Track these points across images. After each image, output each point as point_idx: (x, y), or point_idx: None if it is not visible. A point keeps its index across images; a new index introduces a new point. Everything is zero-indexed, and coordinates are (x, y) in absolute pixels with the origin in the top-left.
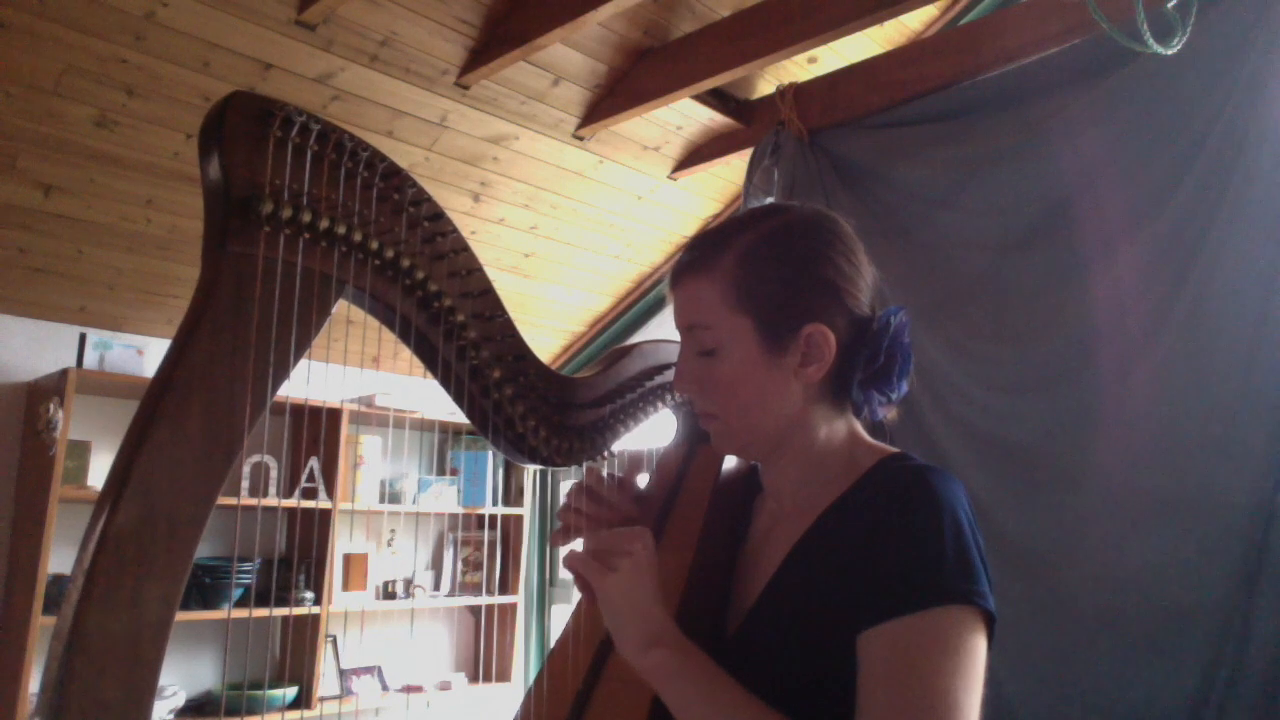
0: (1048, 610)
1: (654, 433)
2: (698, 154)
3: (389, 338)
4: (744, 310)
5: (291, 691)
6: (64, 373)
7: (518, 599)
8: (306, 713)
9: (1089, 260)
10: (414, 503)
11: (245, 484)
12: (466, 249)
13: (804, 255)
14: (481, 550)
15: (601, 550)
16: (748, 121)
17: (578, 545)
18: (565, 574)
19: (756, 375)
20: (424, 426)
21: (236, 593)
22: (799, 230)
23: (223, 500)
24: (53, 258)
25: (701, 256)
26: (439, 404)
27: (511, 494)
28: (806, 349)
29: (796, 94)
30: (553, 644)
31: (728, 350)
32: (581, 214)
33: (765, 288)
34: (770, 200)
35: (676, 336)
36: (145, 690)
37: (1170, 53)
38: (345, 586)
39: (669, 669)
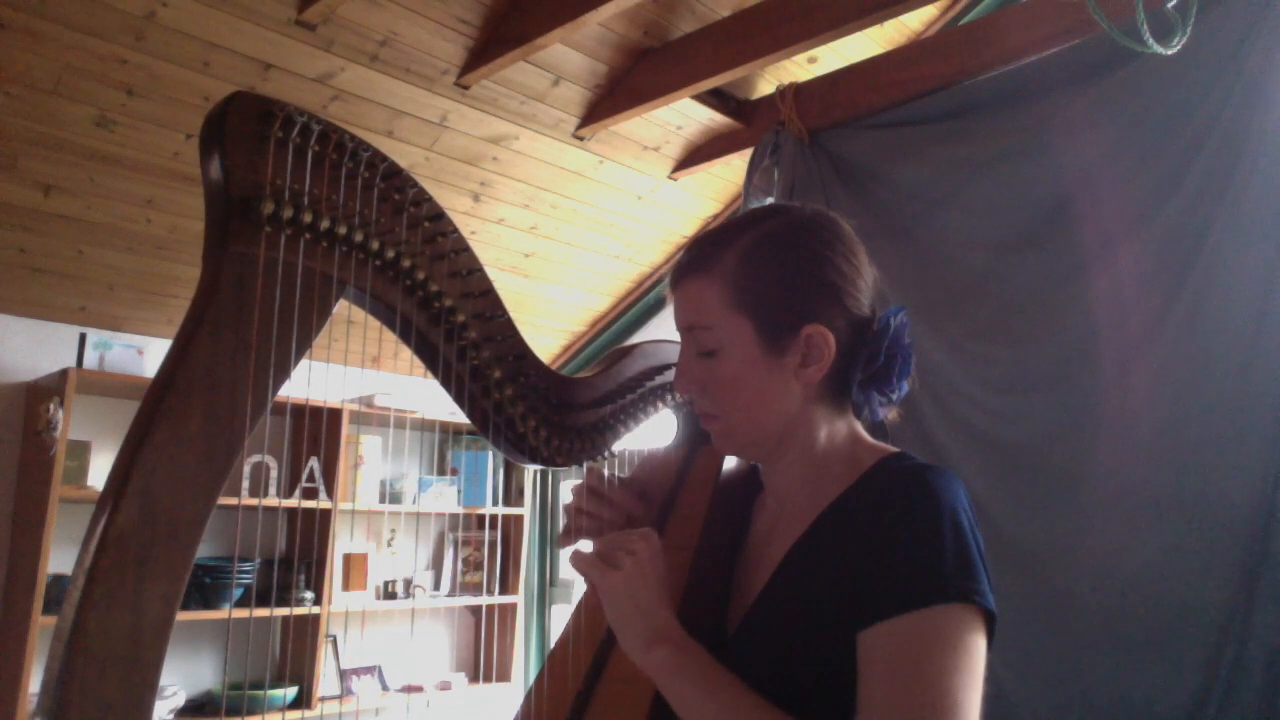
0: (1048, 610)
1: (654, 433)
2: (698, 154)
3: (389, 338)
4: (744, 311)
5: (291, 691)
6: (64, 373)
7: (518, 599)
8: (306, 713)
9: (1089, 260)
10: (414, 503)
11: (245, 484)
12: (467, 249)
13: (804, 256)
14: (481, 550)
15: (606, 550)
16: (748, 121)
17: (584, 546)
18: (565, 574)
19: (757, 376)
20: (424, 426)
21: (237, 593)
22: (799, 231)
23: (223, 500)
24: (53, 258)
25: (701, 257)
26: (439, 404)
27: (511, 494)
28: (806, 350)
29: (796, 94)
30: (553, 644)
31: (728, 351)
32: (581, 214)
33: (765, 288)
34: (770, 200)
35: (677, 336)
36: (146, 690)
37: (1170, 53)
38: (345, 586)
39: (672, 666)
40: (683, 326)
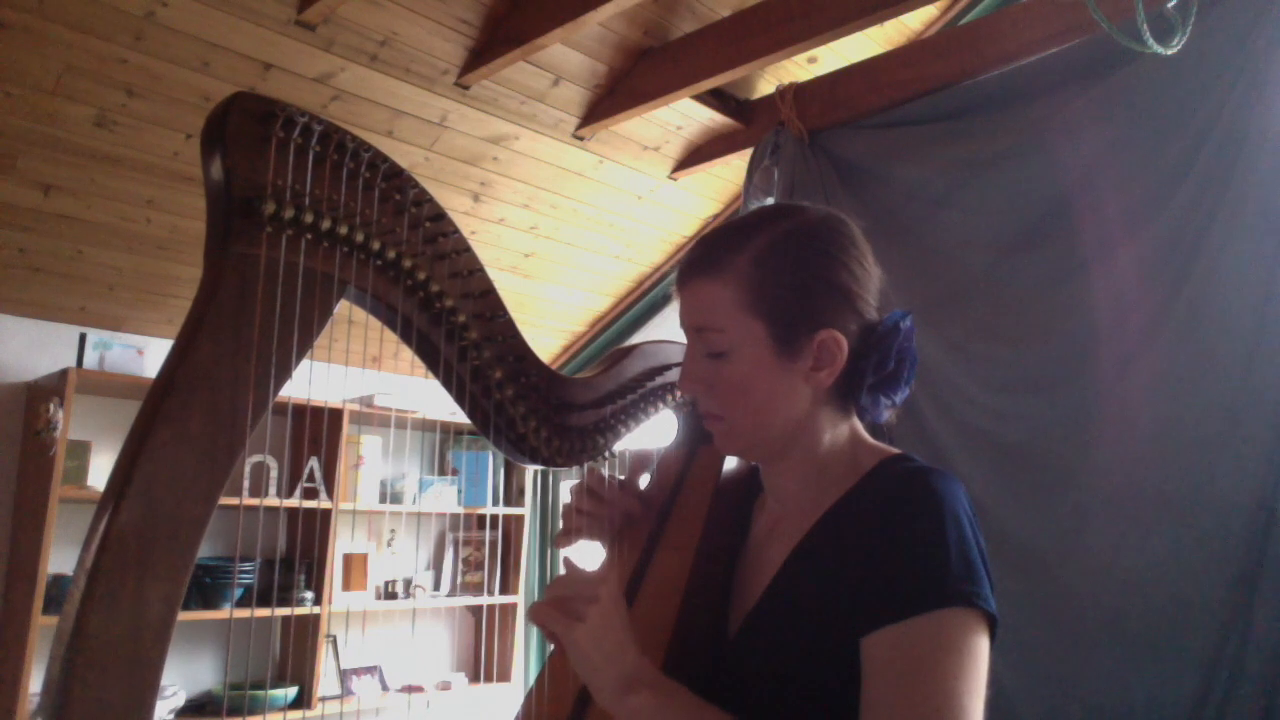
0: (1048, 610)
1: (655, 433)
2: (698, 154)
3: (390, 338)
4: (757, 314)
5: (292, 691)
6: (64, 373)
7: (518, 599)
8: (307, 713)
9: (1089, 260)
10: (414, 503)
11: (246, 484)
12: (468, 249)
13: (819, 260)
14: (482, 550)
15: (565, 599)
16: (748, 121)
17: (585, 546)
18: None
19: (767, 379)
20: (424, 426)
21: (237, 593)
22: (813, 234)
23: (223, 500)
24: (53, 258)
25: (712, 257)
26: (439, 404)
27: (512, 494)
28: (819, 354)
29: (796, 94)
30: (552, 644)
31: (739, 353)
32: (582, 214)
33: (780, 292)
34: (771, 200)
35: (677, 336)
36: (147, 690)
37: (1170, 53)
38: (345, 586)
39: (652, 710)
40: (691, 327)
